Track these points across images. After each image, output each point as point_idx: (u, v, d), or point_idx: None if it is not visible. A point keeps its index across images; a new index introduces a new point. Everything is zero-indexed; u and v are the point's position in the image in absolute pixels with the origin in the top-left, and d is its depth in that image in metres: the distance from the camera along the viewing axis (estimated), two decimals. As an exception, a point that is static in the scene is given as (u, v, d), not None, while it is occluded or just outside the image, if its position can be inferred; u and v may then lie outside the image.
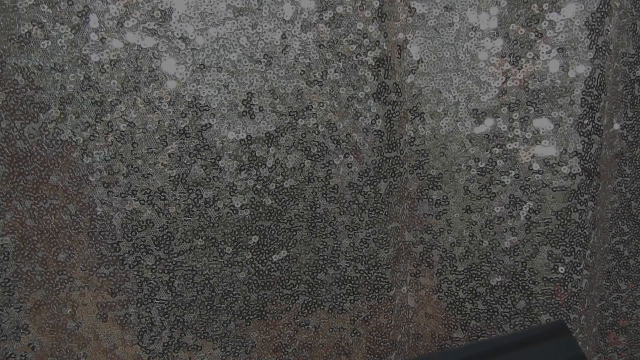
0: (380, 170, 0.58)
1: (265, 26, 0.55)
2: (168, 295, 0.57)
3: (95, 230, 0.55)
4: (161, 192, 0.55)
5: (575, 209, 0.60)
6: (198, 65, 0.54)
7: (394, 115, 0.58)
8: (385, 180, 0.59)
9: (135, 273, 0.56)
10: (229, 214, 0.57)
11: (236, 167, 0.56)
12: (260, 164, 0.56)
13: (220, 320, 0.59)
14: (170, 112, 0.55)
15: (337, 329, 0.62)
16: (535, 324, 0.53)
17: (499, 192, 0.60)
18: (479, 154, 0.59)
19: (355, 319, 0.62)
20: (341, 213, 0.59)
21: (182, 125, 0.55)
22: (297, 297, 0.60)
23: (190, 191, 0.56)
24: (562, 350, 0.46)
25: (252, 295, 0.59)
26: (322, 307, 0.61)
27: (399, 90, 0.57)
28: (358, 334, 0.62)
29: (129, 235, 0.55)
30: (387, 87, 0.57)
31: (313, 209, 0.58)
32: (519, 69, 0.57)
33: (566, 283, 0.61)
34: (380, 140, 0.58)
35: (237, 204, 0.57)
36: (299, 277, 0.60)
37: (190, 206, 0.56)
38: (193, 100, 0.55)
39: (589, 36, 0.57)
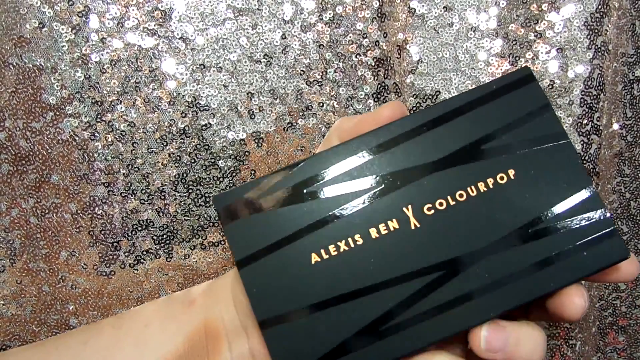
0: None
1: (265, 26, 0.55)
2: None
3: (96, 229, 0.55)
4: (161, 191, 0.56)
5: (574, 209, 0.60)
6: (198, 65, 0.55)
7: (393, 115, 0.58)
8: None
9: (136, 272, 0.56)
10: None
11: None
12: (260, 164, 0.57)
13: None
14: (170, 112, 0.55)
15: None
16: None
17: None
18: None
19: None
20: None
21: (182, 125, 0.55)
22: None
23: (190, 191, 0.56)
24: (526, 101, 0.39)
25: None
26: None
27: (398, 91, 0.57)
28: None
29: (129, 234, 0.56)
30: (386, 87, 0.57)
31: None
32: (519, 69, 0.57)
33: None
34: (380, 140, 0.58)
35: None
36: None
37: (190, 206, 0.56)
38: (193, 100, 0.55)
39: (588, 36, 0.57)
